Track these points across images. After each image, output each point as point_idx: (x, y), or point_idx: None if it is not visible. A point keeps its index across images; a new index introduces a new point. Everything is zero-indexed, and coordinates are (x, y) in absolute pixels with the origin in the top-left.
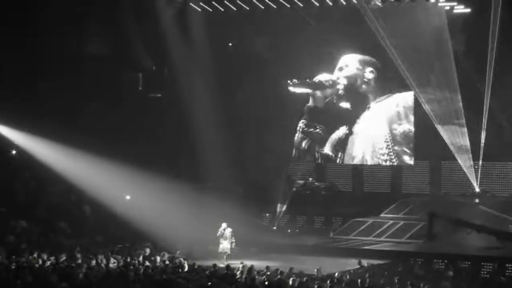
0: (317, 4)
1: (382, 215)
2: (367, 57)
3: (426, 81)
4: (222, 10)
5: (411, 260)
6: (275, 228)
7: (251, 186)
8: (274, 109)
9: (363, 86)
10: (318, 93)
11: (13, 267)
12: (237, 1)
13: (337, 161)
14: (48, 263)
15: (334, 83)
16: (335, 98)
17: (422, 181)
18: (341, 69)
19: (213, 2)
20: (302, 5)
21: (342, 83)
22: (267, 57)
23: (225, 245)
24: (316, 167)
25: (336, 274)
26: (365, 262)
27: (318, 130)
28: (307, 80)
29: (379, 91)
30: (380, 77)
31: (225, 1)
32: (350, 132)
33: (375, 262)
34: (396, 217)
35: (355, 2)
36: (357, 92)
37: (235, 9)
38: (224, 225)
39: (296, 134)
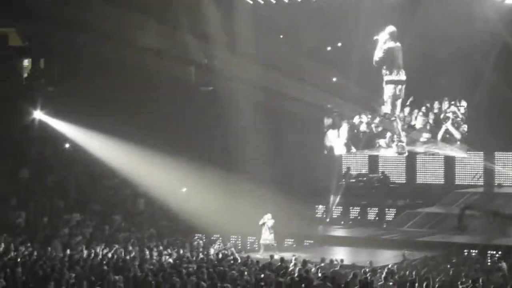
0: None
1: (435, 206)
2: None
3: (480, 72)
4: (274, 2)
5: (465, 252)
6: (328, 220)
7: (304, 178)
8: (324, 100)
9: None
10: None
11: (67, 259)
12: None
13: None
14: (102, 256)
15: None
16: None
17: (475, 172)
18: None
19: None
20: None
21: None
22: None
23: (265, 236)
24: (369, 158)
25: (390, 266)
26: (409, 255)
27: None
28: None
29: None
30: None
31: None
32: None
33: (429, 254)
34: (449, 209)
35: None
36: None
37: (286, 1)
38: (268, 215)
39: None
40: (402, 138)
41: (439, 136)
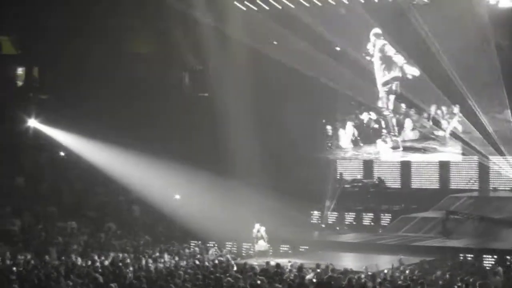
0: (362, 1)
1: (430, 211)
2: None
3: (472, 77)
4: (267, 8)
5: (460, 256)
6: (323, 225)
7: (299, 183)
8: (320, 106)
9: None
10: None
11: (62, 267)
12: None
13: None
14: (98, 263)
15: None
16: None
17: (470, 176)
18: None
19: (257, 1)
20: (347, 2)
21: None
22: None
23: (260, 243)
24: (364, 163)
25: (386, 271)
26: (405, 260)
27: None
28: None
29: None
30: None
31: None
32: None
33: (426, 258)
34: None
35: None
36: None
37: (280, 7)
38: (257, 225)
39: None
40: (396, 133)
41: (447, 133)
